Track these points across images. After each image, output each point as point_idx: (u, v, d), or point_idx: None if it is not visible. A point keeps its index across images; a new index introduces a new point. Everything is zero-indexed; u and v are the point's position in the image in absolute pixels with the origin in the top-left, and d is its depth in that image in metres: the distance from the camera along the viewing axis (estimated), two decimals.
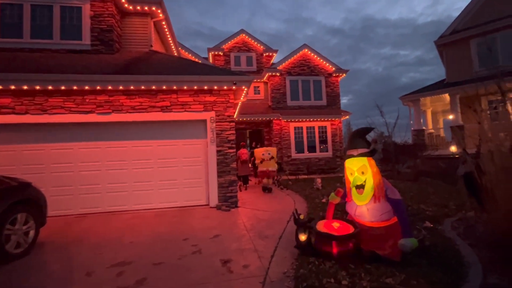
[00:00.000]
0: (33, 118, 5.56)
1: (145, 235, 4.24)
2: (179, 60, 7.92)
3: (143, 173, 6.02)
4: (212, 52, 15.81)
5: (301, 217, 3.39)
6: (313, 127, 14.14)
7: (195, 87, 6.11)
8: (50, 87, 5.51)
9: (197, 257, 3.34)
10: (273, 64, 15.95)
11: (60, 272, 3.02)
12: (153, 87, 5.91)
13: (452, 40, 12.34)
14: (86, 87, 5.62)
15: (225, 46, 15.99)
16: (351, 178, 3.26)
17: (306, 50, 14.76)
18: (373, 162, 3.16)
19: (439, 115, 16.23)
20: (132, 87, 5.81)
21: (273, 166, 8.52)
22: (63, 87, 5.54)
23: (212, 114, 6.28)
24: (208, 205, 6.11)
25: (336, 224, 3.29)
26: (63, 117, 5.66)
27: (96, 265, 3.15)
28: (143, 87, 5.86)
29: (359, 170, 3.18)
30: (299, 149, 13.95)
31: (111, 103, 5.87)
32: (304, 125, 14.01)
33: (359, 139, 3.32)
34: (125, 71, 6.02)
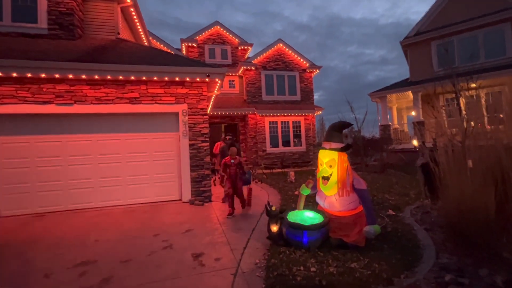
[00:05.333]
0: None
1: (112, 232, 4.04)
2: (149, 49, 7.55)
3: (110, 168, 5.70)
4: (186, 44, 15.30)
5: (273, 208, 3.45)
6: (288, 122, 14.36)
7: (166, 78, 5.87)
8: None
9: (168, 252, 3.26)
10: (248, 58, 15.84)
11: (14, 276, 2.77)
12: (121, 77, 5.57)
13: (416, 41, 13.17)
14: (43, 75, 5.14)
15: (199, 38, 15.54)
16: (320, 168, 3.37)
17: (281, 45, 14.85)
18: (343, 157, 3.28)
19: (403, 111, 17.34)
20: (96, 77, 5.43)
21: None
22: (14, 74, 5.01)
23: (185, 106, 6.10)
24: (181, 200, 5.97)
25: (306, 214, 3.39)
26: (15, 107, 5.13)
27: (56, 266, 2.94)
28: (109, 77, 5.51)
29: (328, 163, 3.30)
30: (274, 143, 14.12)
31: (72, 93, 5.44)
32: (279, 119, 14.18)
33: (335, 133, 3.42)
34: (88, 58, 5.59)
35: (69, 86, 5.43)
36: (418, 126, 11.80)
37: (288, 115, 14.21)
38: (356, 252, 2.93)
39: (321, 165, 3.38)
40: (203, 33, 15.64)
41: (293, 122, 14.42)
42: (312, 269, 2.63)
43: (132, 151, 5.87)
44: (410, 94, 13.08)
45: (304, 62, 15.14)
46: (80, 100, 5.48)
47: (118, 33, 7.54)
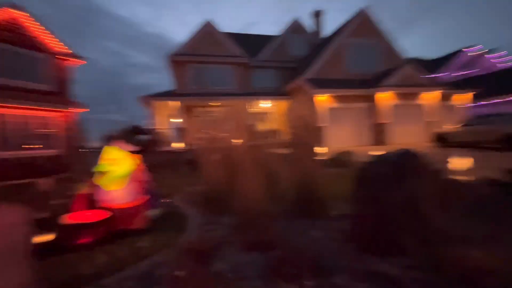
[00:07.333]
0: None
1: None
2: None
3: None
4: None
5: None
6: (30, 117, 10.87)
7: None
8: None
9: None
10: None
11: None
12: None
13: (178, 60, 15.74)
14: None
15: None
16: (100, 163, 3.43)
17: (14, 10, 10.97)
18: (132, 157, 3.53)
19: (168, 117, 19.73)
20: None
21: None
22: None
23: None
24: None
25: (86, 214, 3.24)
26: None
27: None
28: None
29: (110, 160, 3.43)
30: (7, 145, 10.04)
31: None
32: (11, 112, 10.34)
33: (131, 135, 3.55)
34: None
35: None
36: (180, 131, 14.24)
37: (31, 108, 10.78)
38: (142, 235, 3.34)
39: (102, 160, 3.43)
40: None
41: (40, 118, 11.18)
42: (103, 258, 2.68)
43: None
44: (174, 103, 15.34)
45: (59, 45, 12.34)
46: None
47: None
